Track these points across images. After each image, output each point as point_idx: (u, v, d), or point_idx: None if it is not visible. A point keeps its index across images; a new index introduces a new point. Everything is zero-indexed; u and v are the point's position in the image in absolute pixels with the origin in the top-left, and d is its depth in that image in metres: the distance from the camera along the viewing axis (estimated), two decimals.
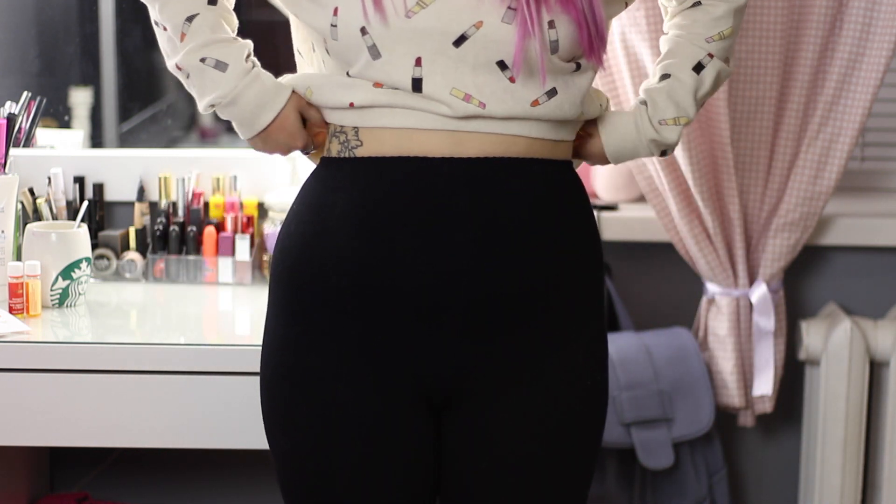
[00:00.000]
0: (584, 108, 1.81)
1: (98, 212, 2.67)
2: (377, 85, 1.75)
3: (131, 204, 2.69)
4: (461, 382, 1.80)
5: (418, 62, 1.73)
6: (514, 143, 1.76)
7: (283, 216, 2.59)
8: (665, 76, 1.88)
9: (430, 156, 1.74)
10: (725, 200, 2.64)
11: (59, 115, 2.91)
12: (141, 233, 2.63)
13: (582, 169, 2.82)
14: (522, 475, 1.83)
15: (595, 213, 2.71)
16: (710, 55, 1.87)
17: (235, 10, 1.92)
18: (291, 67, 1.94)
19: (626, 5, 1.85)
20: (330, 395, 1.80)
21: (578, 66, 1.78)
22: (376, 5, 1.72)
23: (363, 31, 1.73)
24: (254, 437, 2.20)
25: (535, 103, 1.75)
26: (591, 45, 1.75)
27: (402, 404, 1.81)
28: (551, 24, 1.73)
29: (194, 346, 2.19)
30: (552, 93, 1.76)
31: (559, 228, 1.80)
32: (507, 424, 1.82)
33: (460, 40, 1.72)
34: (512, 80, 1.74)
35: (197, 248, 2.61)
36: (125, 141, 3.05)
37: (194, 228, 2.60)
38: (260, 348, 2.19)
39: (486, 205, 1.74)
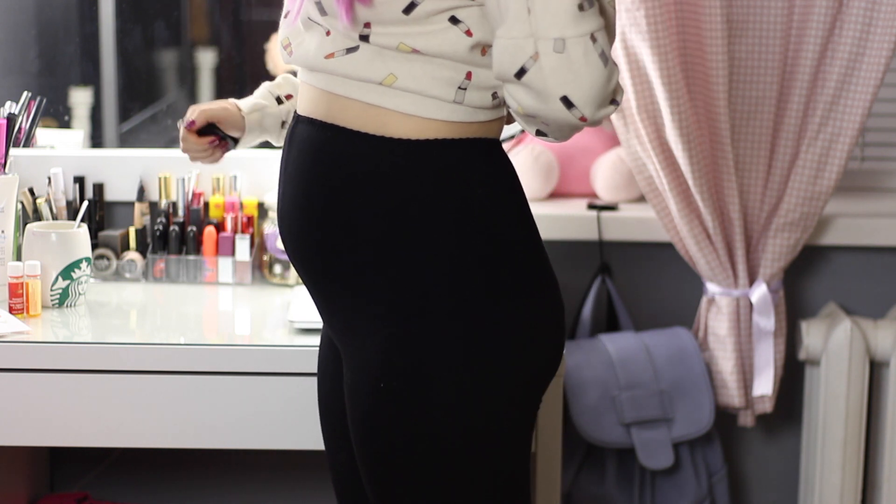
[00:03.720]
0: (401, 77, 1.72)
1: (98, 212, 2.67)
2: None
3: (131, 204, 2.69)
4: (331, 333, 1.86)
5: (286, 16, 1.84)
6: (320, 101, 1.77)
7: None
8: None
9: (297, 111, 1.84)
10: (725, 200, 2.64)
11: (59, 115, 2.91)
12: (141, 233, 2.63)
13: (582, 169, 2.83)
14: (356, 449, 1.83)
15: (595, 213, 2.73)
16: None
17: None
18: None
19: None
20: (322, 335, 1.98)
21: (367, 29, 1.71)
22: None
23: None
24: (253, 436, 2.20)
25: (329, 56, 1.74)
26: (344, 7, 1.70)
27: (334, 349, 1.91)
28: None
29: (194, 346, 2.19)
30: (353, 49, 1.73)
31: (328, 207, 1.76)
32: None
33: None
34: (328, 33, 1.75)
35: (197, 248, 2.61)
36: (125, 141, 3.05)
37: (194, 228, 2.60)
38: (258, 348, 2.20)
39: (286, 165, 1.82)
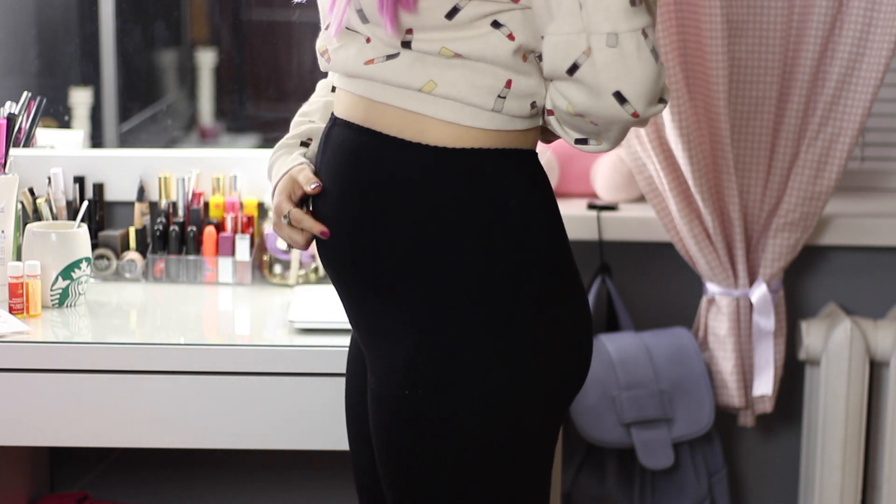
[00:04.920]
0: (441, 84, 1.71)
1: (98, 212, 2.67)
2: None
3: (131, 204, 2.69)
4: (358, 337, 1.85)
5: (327, 28, 1.82)
6: (357, 106, 1.76)
7: None
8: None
9: (334, 113, 1.83)
10: (725, 200, 2.64)
11: (59, 115, 2.91)
12: (141, 233, 2.63)
13: (582, 169, 2.83)
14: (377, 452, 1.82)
15: (595, 213, 2.73)
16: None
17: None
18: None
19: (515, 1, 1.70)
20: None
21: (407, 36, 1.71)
22: None
23: None
24: (253, 436, 2.20)
25: (369, 62, 1.73)
26: (389, 15, 1.69)
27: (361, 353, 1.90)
28: None
29: (194, 346, 2.19)
30: (393, 56, 1.72)
31: (360, 211, 1.75)
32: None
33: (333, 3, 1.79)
34: (368, 40, 1.74)
35: (197, 248, 2.61)
36: (125, 141, 3.05)
37: (194, 228, 2.60)
38: (258, 348, 2.20)
39: (320, 166, 1.81)
